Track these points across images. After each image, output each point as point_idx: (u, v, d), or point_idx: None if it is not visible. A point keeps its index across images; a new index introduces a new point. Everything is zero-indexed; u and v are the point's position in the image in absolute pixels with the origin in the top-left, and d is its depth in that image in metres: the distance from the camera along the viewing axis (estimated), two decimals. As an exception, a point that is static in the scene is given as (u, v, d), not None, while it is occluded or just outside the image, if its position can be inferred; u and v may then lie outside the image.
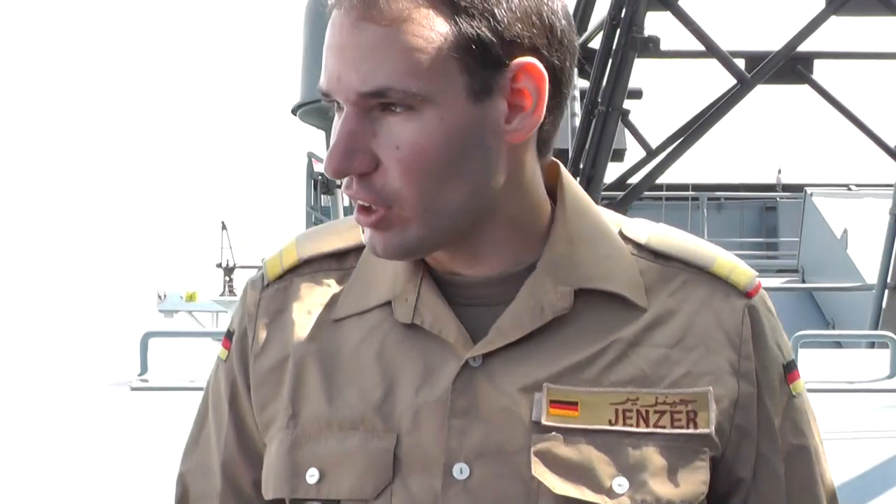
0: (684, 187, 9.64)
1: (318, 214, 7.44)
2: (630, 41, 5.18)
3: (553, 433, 0.80)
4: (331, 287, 0.88)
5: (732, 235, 9.40)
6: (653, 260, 0.86)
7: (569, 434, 0.80)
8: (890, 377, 3.26)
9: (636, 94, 6.16)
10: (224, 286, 27.97)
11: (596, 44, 5.67)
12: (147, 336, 3.00)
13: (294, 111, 7.99)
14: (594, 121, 5.44)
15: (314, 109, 7.79)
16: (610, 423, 0.80)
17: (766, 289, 0.88)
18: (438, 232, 0.81)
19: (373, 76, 0.77)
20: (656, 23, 5.44)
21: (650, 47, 5.31)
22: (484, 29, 0.78)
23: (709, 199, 10.03)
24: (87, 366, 3.34)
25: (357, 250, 0.89)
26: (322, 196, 7.74)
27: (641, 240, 0.86)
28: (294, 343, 0.87)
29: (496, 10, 0.78)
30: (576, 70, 0.85)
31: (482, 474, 0.80)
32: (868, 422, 2.88)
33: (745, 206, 10.46)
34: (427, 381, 0.82)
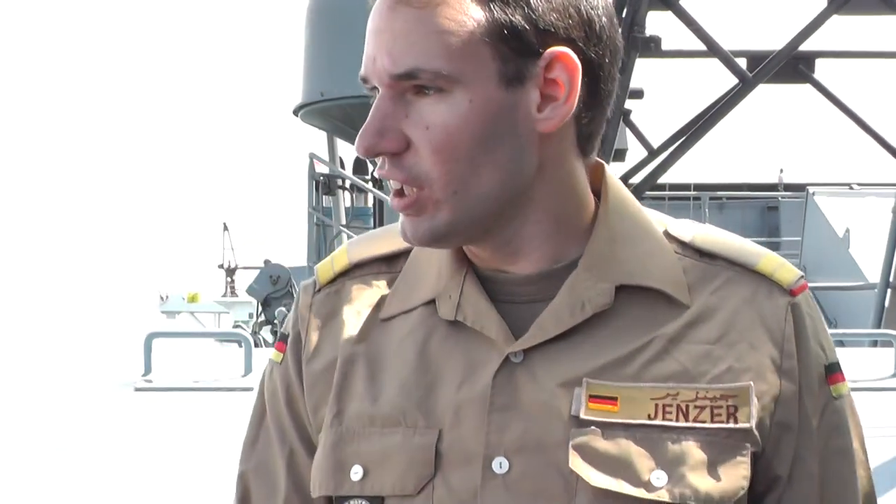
0: (686, 187, 9.64)
1: (319, 215, 7.44)
2: (631, 41, 5.18)
3: (592, 427, 0.80)
4: (380, 289, 0.90)
5: (734, 235, 9.36)
6: (697, 258, 0.86)
7: (607, 428, 0.80)
8: (893, 376, 3.27)
9: (638, 94, 6.17)
10: (226, 287, 28.01)
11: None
12: (151, 337, 3.01)
13: (296, 112, 8.00)
14: (596, 120, 5.43)
15: (316, 110, 7.79)
16: (649, 417, 0.80)
17: None
18: (469, 218, 0.82)
19: (404, 58, 0.79)
20: (657, 22, 5.45)
21: (651, 47, 5.32)
22: (518, 16, 0.79)
23: (711, 198, 10.03)
24: (90, 366, 3.34)
25: (405, 253, 0.91)
26: (324, 197, 7.74)
27: (686, 239, 0.87)
28: (342, 343, 0.89)
29: (532, 1, 0.79)
30: (618, 68, 0.85)
31: (521, 468, 0.80)
32: (871, 420, 2.88)
33: (747, 206, 10.47)
34: (469, 377, 0.83)
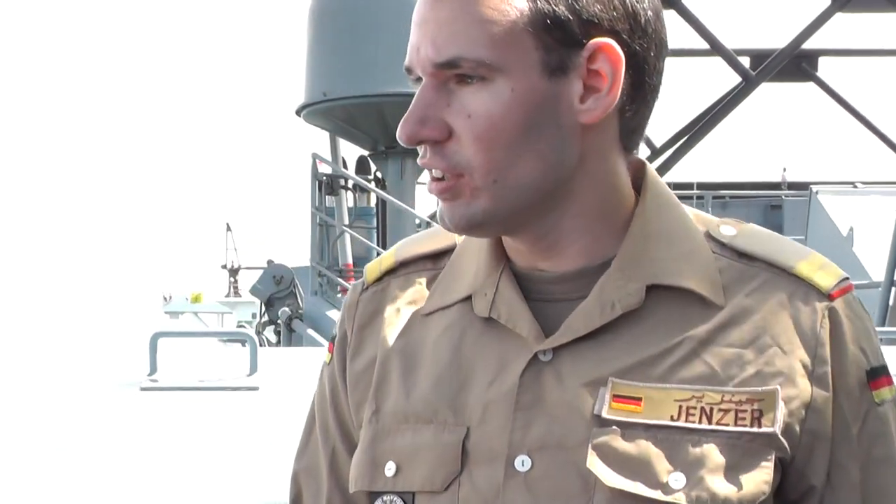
0: (689, 186, 9.63)
1: (322, 215, 7.44)
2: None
3: (612, 427, 0.80)
4: (422, 286, 0.91)
5: (738, 234, 9.34)
6: (736, 259, 0.85)
7: (628, 428, 0.80)
8: (898, 374, 3.25)
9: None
10: (229, 287, 28.04)
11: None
12: (156, 336, 3.01)
13: (298, 112, 8.00)
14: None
15: (318, 110, 7.79)
16: (672, 418, 0.80)
17: None
18: (507, 207, 0.81)
19: (447, 47, 0.79)
20: (661, 21, 5.42)
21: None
22: (561, 6, 0.79)
23: (714, 197, 10.04)
24: (94, 366, 3.35)
25: (451, 250, 0.91)
26: (326, 197, 7.74)
27: (726, 239, 0.86)
28: (381, 341, 0.90)
29: None
30: (663, 63, 0.84)
31: (542, 467, 0.80)
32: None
33: (751, 205, 10.45)
34: (499, 375, 0.83)
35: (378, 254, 7.91)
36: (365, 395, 0.89)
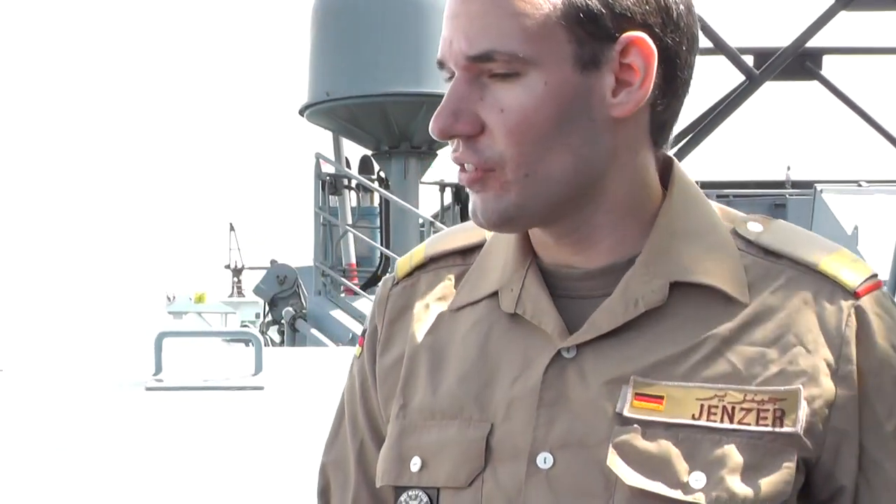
0: (692, 185, 9.56)
1: (326, 215, 7.43)
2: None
3: (633, 425, 0.79)
4: (451, 281, 0.91)
5: (741, 233, 9.31)
6: (762, 256, 0.84)
7: (649, 427, 0.79)
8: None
9: (644, 92, 6.13)
10: (232, 287, 28.08)
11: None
12: (161, 336, 3.01)
13: (301, 112, 8.00)
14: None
15: (321, 110, 7.79)
16: (693, 417, 0.79)
17: None
18: (539, 200, 0.81)
19: (479, 40, 0.79)
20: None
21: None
22: (596, 2, 0.79)
23: (717, 196, 10.01)
24: (100, 366, 3.35)
25: (480, 246, 0.91)
26: (330, 197, 7.74)
27: (752, 236, 0.85)
28: (410, 336, 0.90)
29: None
30: (695, 57, 0.84)
31: (564, 465, 0.80)
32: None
33: (755, 204, 10.42)
34: (524, 371, 0.83)
35: (381, 254, 7.93)
36: (393, 389, 0.89)
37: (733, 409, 0.79)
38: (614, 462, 0.79)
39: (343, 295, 7.35)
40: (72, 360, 3.50)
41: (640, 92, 0.80)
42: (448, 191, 8.49)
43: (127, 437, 2.71)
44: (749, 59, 5.95)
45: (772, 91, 6.46)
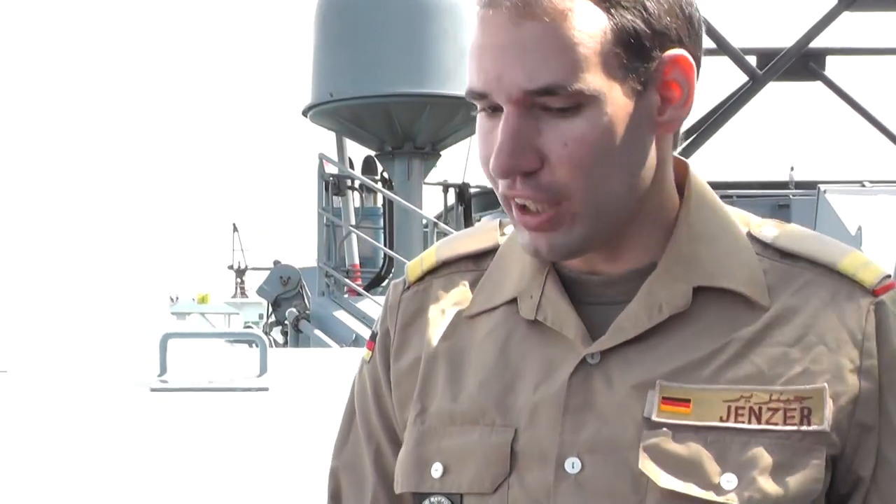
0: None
1: (329, 216, 7.44)
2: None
3: (663, 429, 0.80)
4: (465, 287, 0.90)
5: (745, 233, 9.30)
6: (778, 259, 0.85)
7: (678, 430, 0.80)
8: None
9: (648, 93, 6.12)
10: (236, 288, 28.10)
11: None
12: (166, 337, 3.02)
13: (305, 113, 8.00)
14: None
15: (325, 111, 7.79)
16: (721, 419, 0.80)
17: None
18: (602, 228, 0.82)
19: (539, 73, 0.77)
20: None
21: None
22: (638, 21, 0.78)
23: (721, 196, 9.94)
24: (103, 367, 3.36)
25: (493, 251, 0.91)
26: (333, 197, 7.74)
27: (768, 239, 0.86)
28: (426, 342, 0.90)
29: (647, 2, 0.79)
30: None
31: (593, 469, 0.81)
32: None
33: (758, 204, 10.39)
34: (546, 377, 0.84)
35: (385, 254, 7.93)
36: (409, 393, 0.89)
37: (760, 409, 0.80)
38: (646, 465, 0.79)
39: (346, 296, 7.35)
40: (76, 360, 3.51)
41: (684, 109, 0.82)
42: (451, 191, 8.49)
43: (132, 438, 2.71)
44: (752, 60, 5.95)
45: (775, 92, 6.45)
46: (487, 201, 9.88)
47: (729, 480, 0.79)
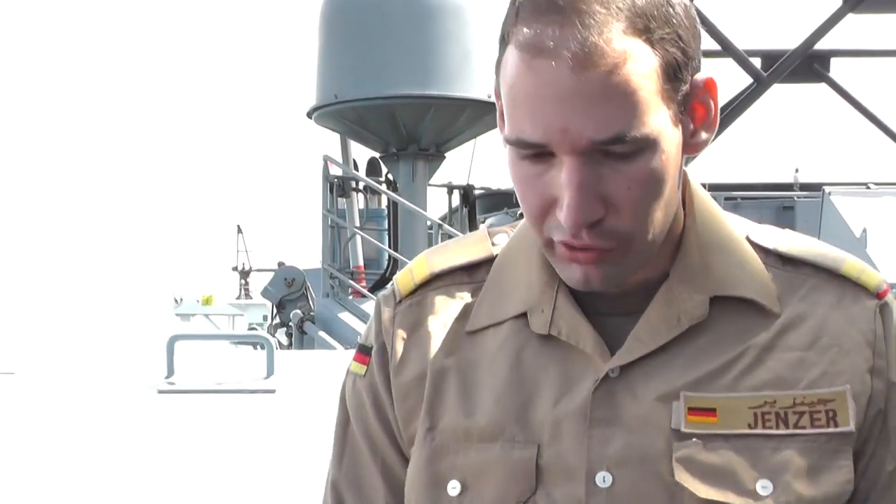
0: (701, 187, 9.53)
1: (333, 217, 7.44)
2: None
3: (693, 439, 0.80)
4: (464, 300, 0.89)
5: (749, 235, 9.29)
6: (781, 266, 0.86)
7: (709, 440, 0.80)
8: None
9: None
10: (240, 289, 28.10)
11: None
12: (173, 339, 3.02)
13: (309, 114, 8.01)
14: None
15: (329, 112, 7.80)
16: (749, 426, 0.81)
17: None
18: (648, 254, 0.82)
19: (607, 123, 0.75)
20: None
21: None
22: (678, 52, 0.78)
23: (725, 198, 10.00)
24: (110, 369, 3.36)
25: (487, 263, 0.90)
26: (338, 199, 7.75)
27: (769, 246, 0.87)
28: (431, 356, 0.88)
29: (680, 32, 0.78)
30: None
31: (625, 482, 0.81)
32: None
33: (763, 206, 10.40)
34: (566, 391, 0.83)
35: (390, 256, 7.93)
36: (414, 409, 0.88)
37: (786, 414, 0.81)
38: (683, 476, 0.80)
39: (351, 297, 7.35)
40: (83, 362, 3.52)
41: (711, 129, 0.82)
42: (456, 193, 8.49)
43: (140, 439, 2.72)
44: (757, 62, 5.95)
45: (780, 93, 6.45)
46: (492, 203, 9.87)
47: (764, 486, 0.80)
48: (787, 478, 0.80)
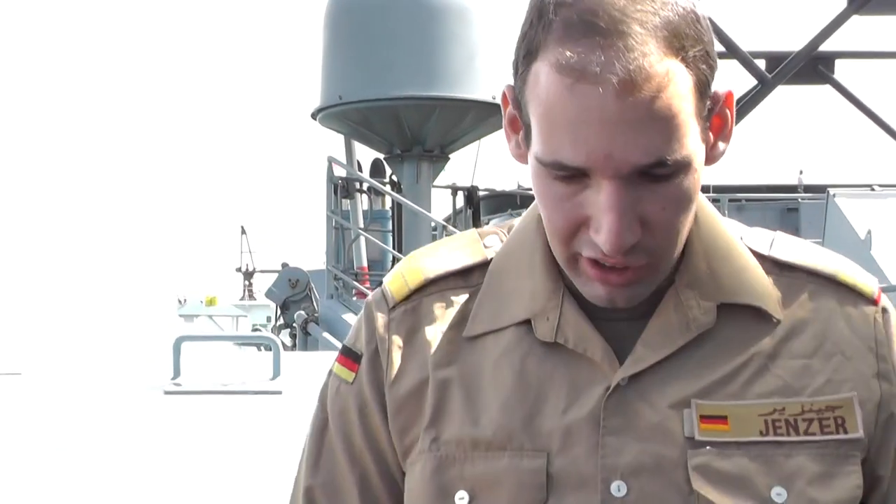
0: (705, 189, 9.46)
1: (338, 219, 7.44)
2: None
3: (707, 447, 0.80)
4: (459, 305, 0.88)
5: (754, 237, 9.28)
6: (777, 271, 0.86)
7: (722, 448, 0.81)
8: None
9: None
10: (244, 290, 28.13)
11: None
12: (180, 340, 3.03)
13: (314, 116, 8.02)
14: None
15: (334, 114, 7.80)
16: (761, 433, 0.81)
17: None
18: (669, 268, 0.83)
19: (650, 148, 0.75)
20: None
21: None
22: (708, 70, 0.78)
23: (730, 200, 10.01)
24: (116, 370, 3.37)
25: (481, 267, 0.89)
26: (342, 200, 7.75)
27: (764, 250, 0.87)
28: (431, 364, 0.86)
29: (708, 48, 0.78)
30: None
31: (640, 491, 0.80)
32: None
33: (767, 208, 10.40)
34: (574, 399, 0.82)
35: (394, 257, 7.94)
36: (411, 420, 0.86)
37: (795, 421, 0.82)
38: (699, 484, 0.80)
39: (355, 298, 7.35)
40: (88, 363, 3.52)
41: (728, 139, 0.82)
42: (460, 194, 8.50)
43: (147, 440, 2.73)
44: (761, 63, 5.94)
45: (784, 95, 6.45)
46: (496, 204, 9.88)
47: (779, 493, 0.80)
48: (800, 484, 0.80)
